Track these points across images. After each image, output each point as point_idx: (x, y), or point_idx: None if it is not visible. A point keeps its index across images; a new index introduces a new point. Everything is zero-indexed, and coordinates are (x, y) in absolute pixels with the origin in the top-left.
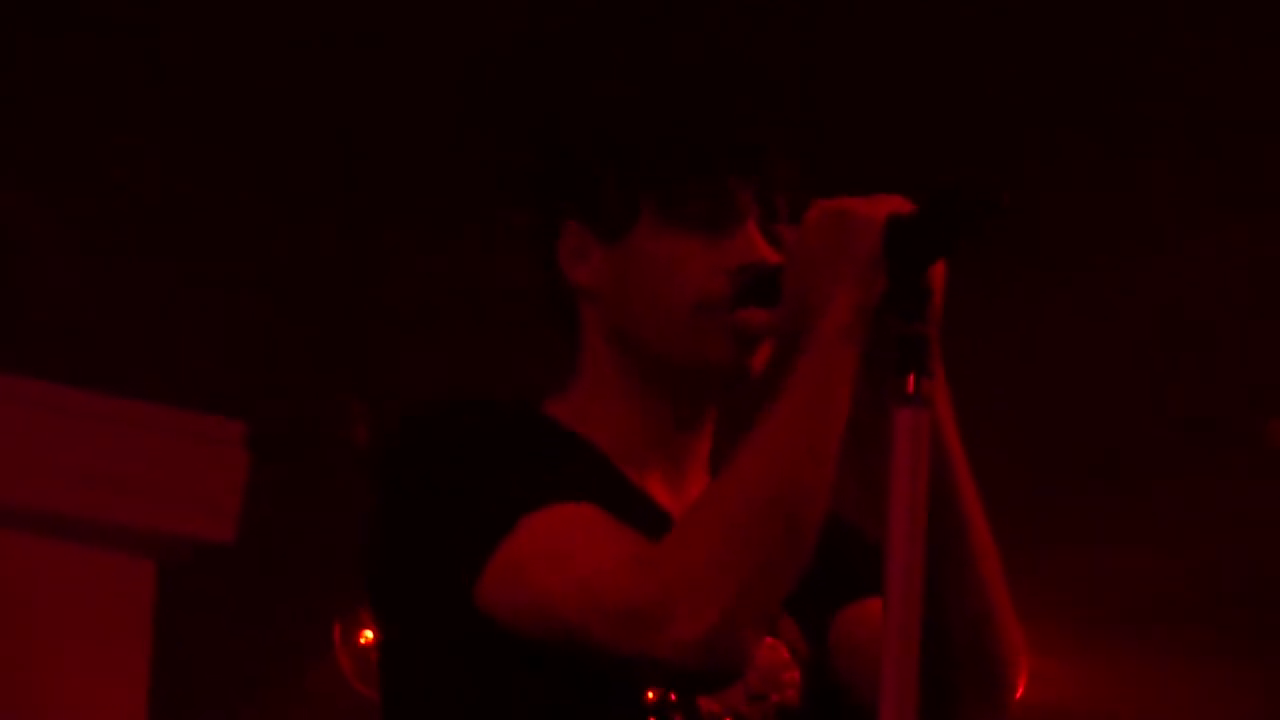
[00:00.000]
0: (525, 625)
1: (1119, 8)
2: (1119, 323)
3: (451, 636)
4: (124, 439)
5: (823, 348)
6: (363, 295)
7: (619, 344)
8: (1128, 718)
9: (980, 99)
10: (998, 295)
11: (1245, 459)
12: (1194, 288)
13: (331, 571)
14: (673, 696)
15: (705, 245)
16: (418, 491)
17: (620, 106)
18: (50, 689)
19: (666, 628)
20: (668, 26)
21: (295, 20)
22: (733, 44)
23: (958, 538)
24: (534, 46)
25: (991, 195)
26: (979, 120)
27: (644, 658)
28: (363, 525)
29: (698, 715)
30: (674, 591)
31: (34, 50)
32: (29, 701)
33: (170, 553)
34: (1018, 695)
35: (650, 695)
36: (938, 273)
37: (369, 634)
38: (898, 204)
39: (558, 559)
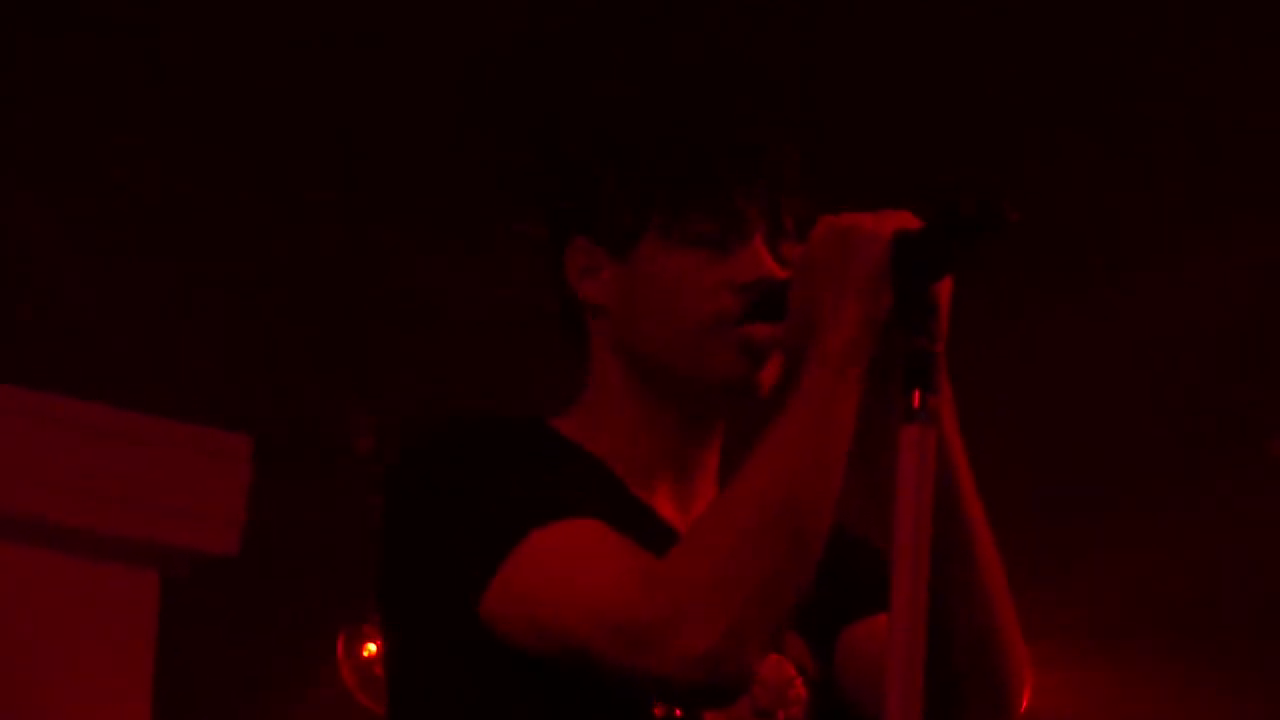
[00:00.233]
0: (530, 640)
1: (1119, 8)
2: (1121, 331)
3: (457, 650)
4: (128, 451)
5: (829, 363)
6: (365, 304)
7: (626, 359)
8: None
9: (980, 99)
10: (998, 305)
11: (1251, 471)
12: (1197, 293)
13: (335, 584)
14: (679, 712)
15: (712, 261)
16: (425, 505)
17: (627, 119)
18: (54, 700)
19: (672, 644)
20: (668, 26)
21: (295, 20)
22: (733, 44)
23: (962, 552)
24: (534, 46)
25: (997, 211)
26: (979, 120)
27: (649, 674)
28: (372, 539)
29: None
30: (679, 608)
31: (34, 50)
32: (33, 712)
33: (174, 564)
34: (1022, 709)
35: (657, 711)
36: (944, 288)
37: (372, 646)
38: (904, 220)
39: (563, 575)
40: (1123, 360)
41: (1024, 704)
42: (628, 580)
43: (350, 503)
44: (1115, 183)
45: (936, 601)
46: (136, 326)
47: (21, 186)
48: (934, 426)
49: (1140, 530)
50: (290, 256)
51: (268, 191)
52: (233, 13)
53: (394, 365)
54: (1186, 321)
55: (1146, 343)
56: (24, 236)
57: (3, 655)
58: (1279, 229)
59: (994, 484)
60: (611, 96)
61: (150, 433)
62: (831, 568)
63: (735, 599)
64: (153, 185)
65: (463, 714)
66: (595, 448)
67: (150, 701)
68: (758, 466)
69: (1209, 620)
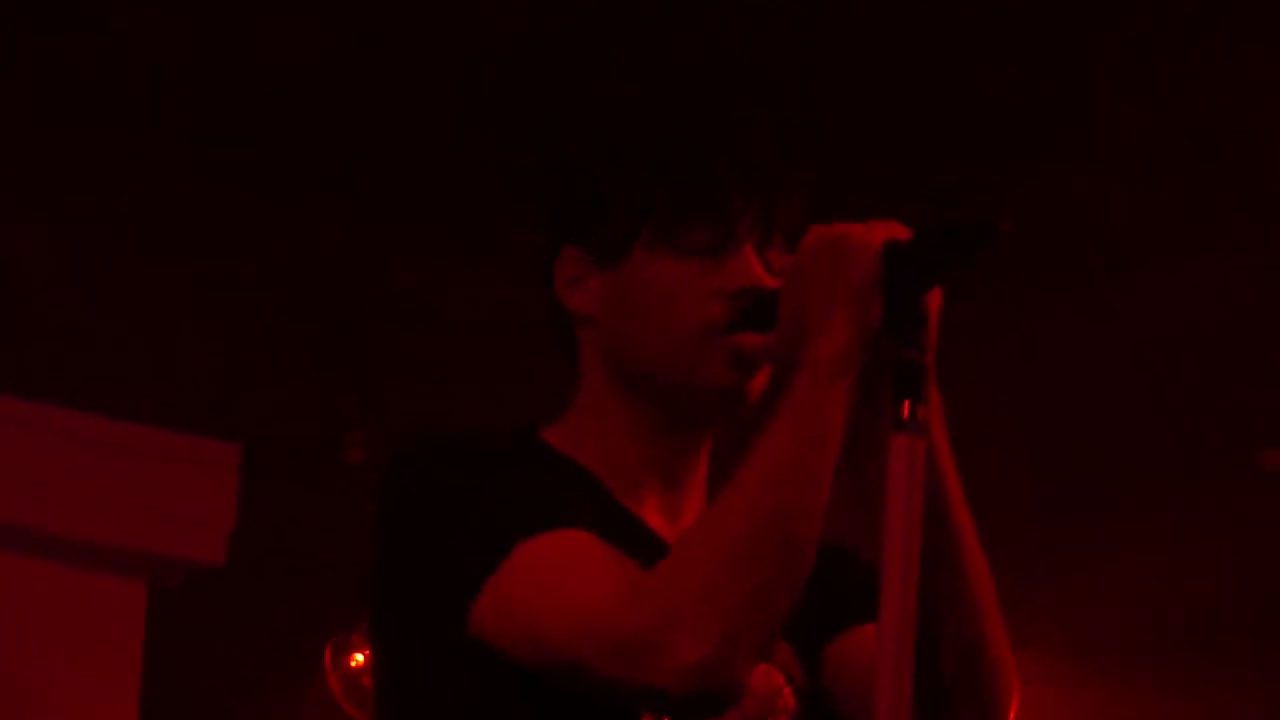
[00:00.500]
0: (519, 652)
1: (1119, 8)
2: (1121, 332)
3: (445, 661)
4: (115, 460)
5: (818, 373)
6: (357, 313)
7: (615, 369)
8: None
9: (981, 99)
10: (997, 305)
11: (1245, 483)
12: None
13: (322, 594)
14: None
15: (702, 269)
16: (415, 516)
17: (623, 123)
18: (40, 709)
19: (661, 656)
20: (668, 26)
21: (295, 20)
22: (733, 44)
23: (952, 564)
24: (534, 46)
25: (988, 222)
26: (979, 121)
27: (639, 685)
28: (361, 549)
29: None
30: (668, 619)
31: (30, 51)
32: None
33: (161, 574)
34: (1010, 719)
35: None
36: (934, 299)
37: (359, 656)
38: (894, 230)
39: (552, 587)
40: (1122, 361)
41: (1012, 714)
42: (617, 591)
43: (339, 513)
44: (1115, 183)
45: (925, 611)
46: (124, 335)
47: (11, 195)
48: (923, 436)
49: (1139, 532)
50: (282, 262)
51: (262, 195)
52: (232, 13)
53: (387, 373)
54: (1186, 322)
55: (1146, 343)
56: (13, 245)
57: None
58: (1279, 229)
59: (991, 485)
60: (611, 96)
61: (138, 442)
62: (820, 577)
63: (725, 609)
64: (143, 190)
65: None
66: (584, 458)
67: (137, 711)
68: (747, 476)
69: (1207, 627)
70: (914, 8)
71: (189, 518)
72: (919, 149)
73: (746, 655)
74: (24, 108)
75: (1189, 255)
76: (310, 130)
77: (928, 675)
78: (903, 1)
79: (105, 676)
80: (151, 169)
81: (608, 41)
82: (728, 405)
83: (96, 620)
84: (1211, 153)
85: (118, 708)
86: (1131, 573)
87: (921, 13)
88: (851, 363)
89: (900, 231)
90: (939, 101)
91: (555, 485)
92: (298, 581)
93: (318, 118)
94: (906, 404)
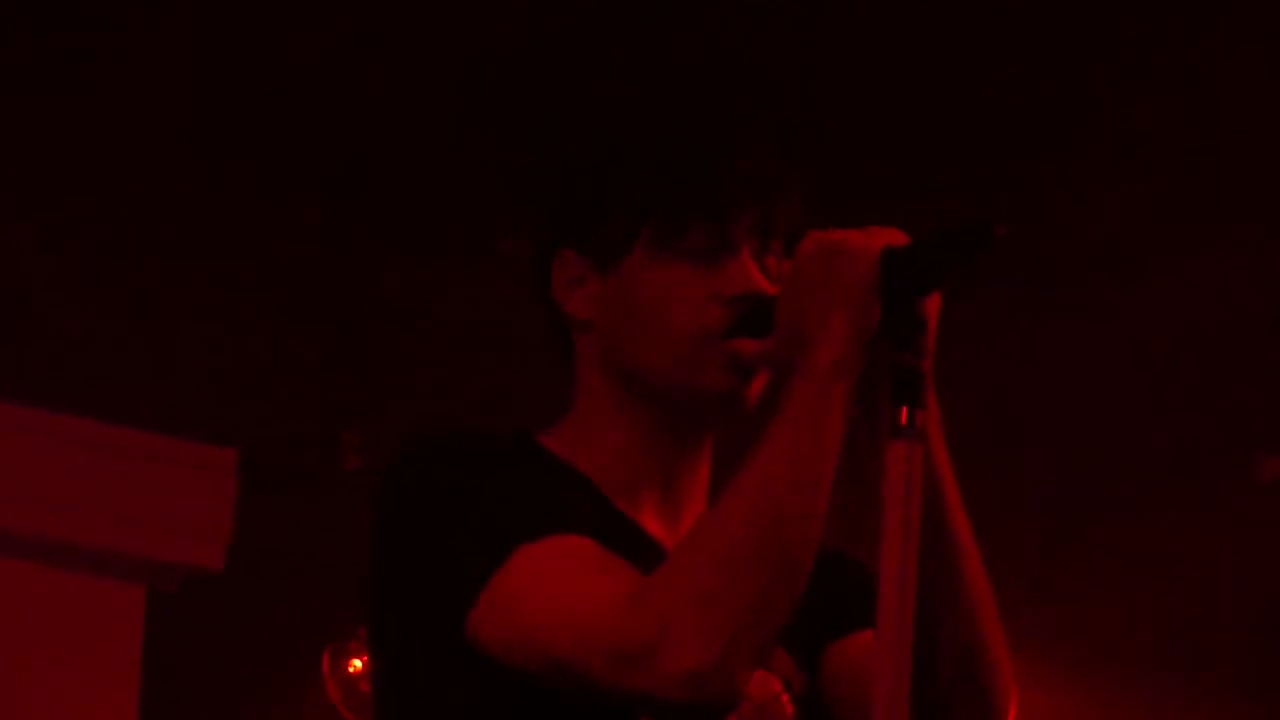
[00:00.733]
0: (517, 657)
1: (1119, 8)
2: (1121, 332)
3: (444, 665)
4: (113, 465)
5: (816, 378)
6: (355, 318)
7: (613, 374)
8: None
9: (981, 100)
10: (996, 306)
11: (1245, 486)
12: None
13: (321, 599)
14: None
15: (700, 274)
16: (413, 521)
17: (622, 125)
18: (40, 714)
19: (659, 662)
20: (668, 26)
21: (295, 20)
22: (733, 44)
23: (950, 569)
24: (534, 46)
25: (985, 227)
26: (979, 122)
27: (638, 691)
28: (360, 554)
29: None
30: (666, 626)
31: (31, 50)
32: None
33: (160, 579)
34: None
35: None
36: (932, 304)
37: (358, 662)
38: (892, 235)
39: (550, 592)
40: (1122, 362)
41: (1010, 717)
42: (615, 597)
43: (337, 518)
44: (1115, 185)
45: (923, 615)
46: (121, 340)
47: (12, 195)
48: (921, 442)
49: (1138, 536)
50: (281, 264)
51: (262, 195)
52: (232, 13)
53: (386, 375)
54: (1186, 323)
55: (1146, 344)
56: (9, 249)
57: None
58: (1279, 230)
59: (989, 489)
60: (611, 97)
61: (136, 447)
62: (819, 582)
63: (724, 615)
64: (140, 195)
65: None
66: (581, 463)
67: (136, 715)
68: (745, 482)
69: (1206, 631)
70: (914, 8)
71: (188, 522)
72: (919, 149)
73: (745, 661)
74: (24, 108)
75: (1189, 255)
76: (310, 130)
77: (926, 680)
78: (903, 1)
79: (104, 681)
80: (151, 169)
81: (608, 42)
82: (725, 410)
83: (95, 625)
84: (1212, 153)
85: (117, 713)
86: (1130, 576)
87: (921, 13)
88: (850, 368)
89: (898, 237)
90: (939, 101)
91: (554, 490)
92: (296, 586)
93: (318, 118)
94: (904, 409)
